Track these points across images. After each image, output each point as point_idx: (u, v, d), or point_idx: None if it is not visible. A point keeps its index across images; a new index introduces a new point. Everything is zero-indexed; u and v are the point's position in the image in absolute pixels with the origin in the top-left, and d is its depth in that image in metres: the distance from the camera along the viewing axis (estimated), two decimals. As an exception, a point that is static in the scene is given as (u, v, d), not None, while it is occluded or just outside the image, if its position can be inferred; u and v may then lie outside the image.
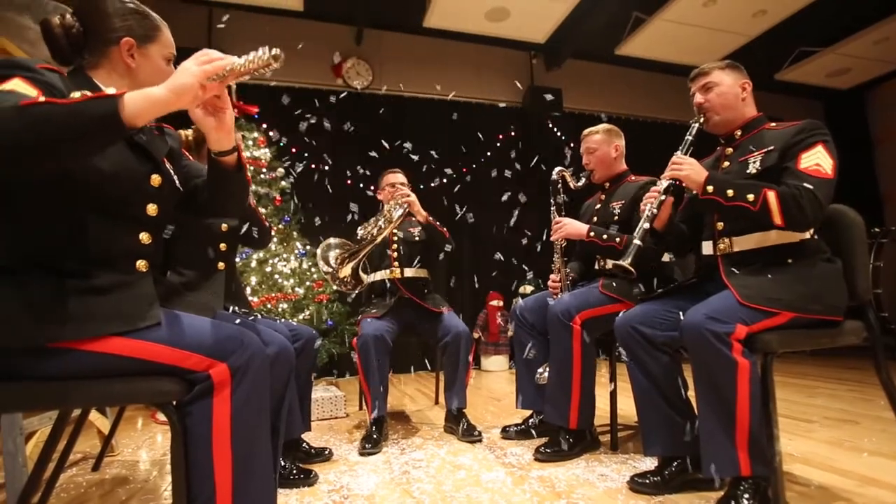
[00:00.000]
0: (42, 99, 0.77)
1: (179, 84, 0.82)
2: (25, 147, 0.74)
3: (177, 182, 1.12)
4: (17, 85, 0.82)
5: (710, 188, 1.40)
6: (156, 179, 1.02)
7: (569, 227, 2.02)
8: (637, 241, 1.48)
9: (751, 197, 1.34)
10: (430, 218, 2.33)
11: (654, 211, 1.51)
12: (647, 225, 1.50)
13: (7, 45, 2.15)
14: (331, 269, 2.14)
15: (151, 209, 1.01)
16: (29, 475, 1.24)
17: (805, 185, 1.30)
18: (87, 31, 0.99)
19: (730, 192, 1.37)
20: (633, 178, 2.11)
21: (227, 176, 1.09)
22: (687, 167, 1.46)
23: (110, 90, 0.98)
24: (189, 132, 1.80)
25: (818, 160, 1.35)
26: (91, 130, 0.78)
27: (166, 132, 1.16)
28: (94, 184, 0.90)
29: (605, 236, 1.94)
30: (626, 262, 1.46)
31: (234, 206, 1.19)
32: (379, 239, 2.15)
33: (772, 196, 1.32)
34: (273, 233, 3.08)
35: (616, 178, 2.14)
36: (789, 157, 1.39)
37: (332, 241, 2.20)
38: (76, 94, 0.79)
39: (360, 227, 2.38)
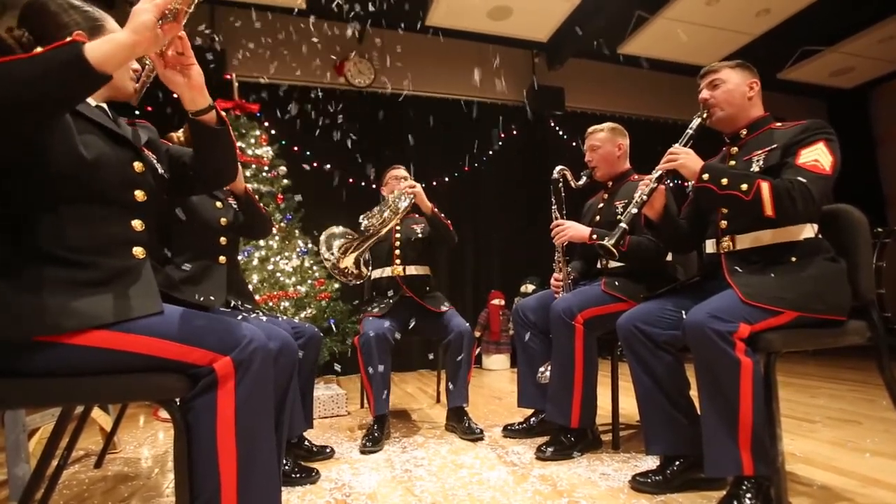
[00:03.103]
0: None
1: (138, 22, 0.81)
2: None
3: (160, 169, 1.12)
4: None
5: (705, 176, 1.41)
6: (138, 166, 1.03)
7: (571, 231, 2.01)
8: (624, 225, 1.51)
9: (744, 187, 1.34)
10: (436, 209, 2.32)
11: (644, 197, 1.53)
12: (635, 210, 1.52)
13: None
14: (332, 258, 2.11)
15: (139, 195, 1.02)
16: (32, 472, 1.24)
17: (799, 178, 1.30)
18: (38, 37, 0.98)
19: (724, 181, 1.37)
20: (637, 176, 2.11)
21: (210, 134, 1.07)
22: (683, 156, 1.47)
23: None
24: (180, 133, 1.80)
25: (817, 156, 1.35)
26: (60, 77, 0.77)
27: (140, 125, 1.16)
28: (77, 173, 0.91)
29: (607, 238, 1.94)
30: (609, 243, 1.48)
31: (226, 168, 1.18)
32: (384, 231, 2.12)
33: (765, 187, 1.32)
34: (275, 230, 3.10)
35: (619, 177, 2.13)
36: (790, 154, 1.39)
37: (336, 229, 2.17)
38: (38, 49, 0.78)
39: (362, 216, 2.32)
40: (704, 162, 1.45)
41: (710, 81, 1.56)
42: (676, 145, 1.53)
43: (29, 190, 0.89)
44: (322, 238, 2.14)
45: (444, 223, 2.34)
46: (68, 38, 0.78)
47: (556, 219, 2.12)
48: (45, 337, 0.83)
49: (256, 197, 1.85)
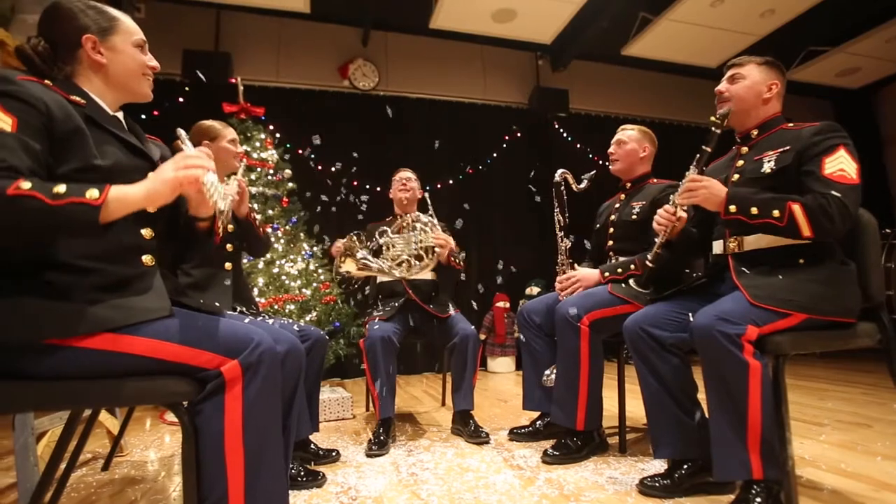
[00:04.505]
0: (27, 186, 0.78)
1: (155, 192, 0.88)
2: (3, 232, 0.80)
3: None
4: None
5: (732, 208, 1.37)
6: None
7: (583, 281, 2.01)
8: (649, 264, 1.61)
9: (776, 213, 1.31)
10: (452, 258, 2.29)
11: (662, 243, 1.57)
12: (660, 251, 1.58)
13: (6, 38, 2.13)
14: (340, 251, 2.07)
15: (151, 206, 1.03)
16: (40, 475, 1.25)
17: (832, 192, 1.28)
18: (52, 44, 1.00)
19: (754, 210, 1.34)
20: (655, 180, 2.11)
21: (201, 234, 1.16)
22: (703, 191, 1.41)
23: (98, 101, 1.01)
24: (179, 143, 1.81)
25: (842, 165, 1.32)
26: (68, 230, 0.85)
27: (153, 143, 1.18)
28: (93, 180, 0.91)
29: (619, 270, 1.95)
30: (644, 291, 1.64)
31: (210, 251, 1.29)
32: (410, 276, 2.13)
33: (797, 209, 1.29)
34: (280, 233, 3.10)
35: (638, 179, 2.14)
36: (808, 160, 1.36)
37: (362, 253, 2.06)
38: (61, 189, 0.81)
39: (379, 233, 2.23)
40: (727, 191, 1.39)
41: (731, 75, 1.55)
42: (693, 171, 1.48)
43: None
44: (352, 238, 2.06)
45: (454, 269, 2.34)
46: (93, 200, 0.82)
47: (559, 221, 2.14)
48: (55, 340, 0.84)
49: (257, 221, 1.87)
